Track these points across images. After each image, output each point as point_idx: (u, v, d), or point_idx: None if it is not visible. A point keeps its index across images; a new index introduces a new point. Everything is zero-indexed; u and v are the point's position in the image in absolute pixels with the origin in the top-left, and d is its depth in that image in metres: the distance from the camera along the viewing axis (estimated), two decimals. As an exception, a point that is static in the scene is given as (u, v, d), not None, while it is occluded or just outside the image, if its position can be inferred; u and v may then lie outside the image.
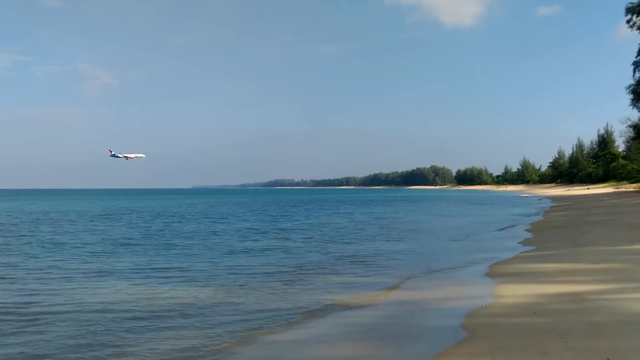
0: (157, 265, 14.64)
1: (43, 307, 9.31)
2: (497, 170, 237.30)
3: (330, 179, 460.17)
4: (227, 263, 14.87)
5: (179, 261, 15.41)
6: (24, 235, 23.55)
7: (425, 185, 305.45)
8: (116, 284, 11.55)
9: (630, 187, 71.34)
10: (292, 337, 7.50)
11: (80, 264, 14.65)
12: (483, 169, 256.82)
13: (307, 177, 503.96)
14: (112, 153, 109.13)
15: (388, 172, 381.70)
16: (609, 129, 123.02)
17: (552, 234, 20.49)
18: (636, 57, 50.58)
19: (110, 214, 41.98)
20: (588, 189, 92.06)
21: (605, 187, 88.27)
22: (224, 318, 8.49)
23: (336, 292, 10.64)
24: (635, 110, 54.13)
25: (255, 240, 21.37)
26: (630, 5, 48.61)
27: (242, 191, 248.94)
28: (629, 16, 48.89)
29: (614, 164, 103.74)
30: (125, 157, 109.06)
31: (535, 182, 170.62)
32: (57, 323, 8.17)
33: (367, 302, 9.56)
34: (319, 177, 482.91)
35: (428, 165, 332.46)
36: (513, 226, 26.85)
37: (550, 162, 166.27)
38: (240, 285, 11.40)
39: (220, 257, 16.30)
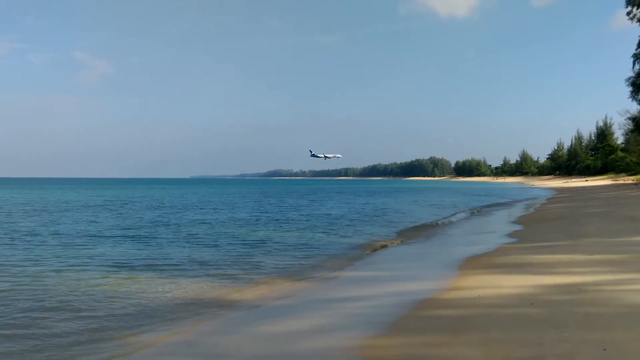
0: (112, 257, 14.24)
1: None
2: (496, 162, 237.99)
3: (329, 170, 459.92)
4: (193, 256, 14.48)
5: (142, 252, 15.12)
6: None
7: (424, 176, 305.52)
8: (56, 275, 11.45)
9: (628, 180, 71.47)
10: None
11: (34, 255, 14.34)
12: (482, 160, 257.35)
13: (306, 168, 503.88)
14: (312, 153, 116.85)
15: (387, 163, 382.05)
16: (608, 121, 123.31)
17: (550, 226, 20.45)
18: (636, 50, 50.41)
19: (96, 205, 40.89)
20: (586, 180, 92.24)
21: (603, 179, 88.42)
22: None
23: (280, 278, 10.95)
24: (634, 103, 53.99)
25: (234, 232, 21.01)
26: (630, -4, 48.33)
27: (240, 181, 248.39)
28: (629, 8, 48.68)
29: (613, 156, 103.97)
30: (325, 156, 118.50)
31: (533, 174, 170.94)
32: None
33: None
34: (317, 168, 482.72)
35: (427, 157, 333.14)
36: (510, 217, 26.82)
37: (549, 154, 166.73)
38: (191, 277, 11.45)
39: (193, 249, 15.95)
